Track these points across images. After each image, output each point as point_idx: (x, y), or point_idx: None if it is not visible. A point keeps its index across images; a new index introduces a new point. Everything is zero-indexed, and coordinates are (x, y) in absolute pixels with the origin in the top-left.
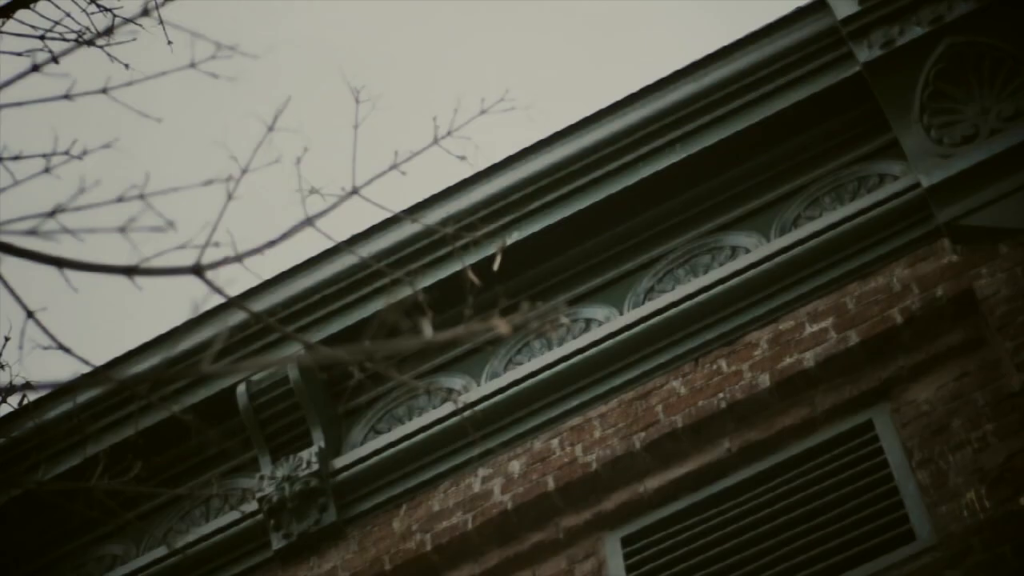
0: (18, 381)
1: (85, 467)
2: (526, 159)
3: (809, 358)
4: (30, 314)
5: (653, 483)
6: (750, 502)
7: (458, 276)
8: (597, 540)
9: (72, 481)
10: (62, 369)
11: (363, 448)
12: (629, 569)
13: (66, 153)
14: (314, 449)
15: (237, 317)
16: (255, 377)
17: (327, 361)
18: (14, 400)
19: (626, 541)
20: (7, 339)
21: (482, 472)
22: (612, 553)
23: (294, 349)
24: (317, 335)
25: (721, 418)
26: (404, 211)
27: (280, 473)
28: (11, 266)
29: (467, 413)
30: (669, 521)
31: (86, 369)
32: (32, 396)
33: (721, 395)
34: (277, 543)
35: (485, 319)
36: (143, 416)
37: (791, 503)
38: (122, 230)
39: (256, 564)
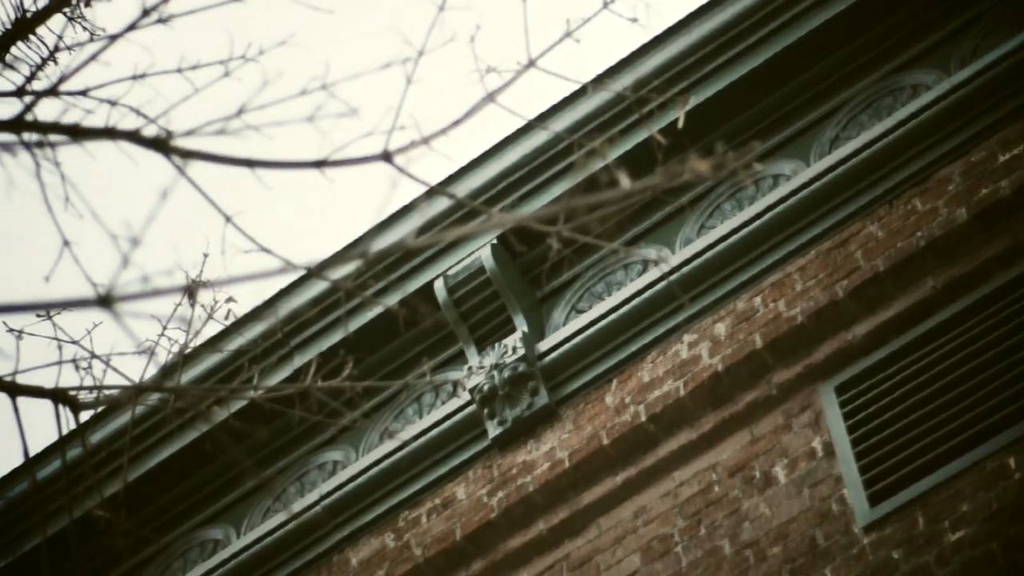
0: (221, 296)
1: (298, 376)
2: (700, 19)
3: (1005, 187)
4: (228, 219)
5: (861, 329)
6: (960, 337)
7: (646, 144)
8: (811, 392)
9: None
10: (263, 272)
11: (566, 328)
12: (847, 417)
13: (243, 57)
14: (518, 335)
15: (429, 209)
16: (452, 271)
17: (528, 223)
18: (220, 315)
19: (840, 390)
20: (206, 255)
21: (687, 338)
22: (828, 403)
23: (492, 226)
24: (521, 212)
25: (922, 257)
26: (587, 82)
27: (488, 362)
28: (204, 173)
29: (667, 280)
30: (881, 365)
31: (288, 269)
32: (237, 309)
33: (919, 233)
34: (493, 431)
35: (682, 163)
36: (350, 319)
37: (1002, 334)
38: (310, 119)
39: (475, 454)
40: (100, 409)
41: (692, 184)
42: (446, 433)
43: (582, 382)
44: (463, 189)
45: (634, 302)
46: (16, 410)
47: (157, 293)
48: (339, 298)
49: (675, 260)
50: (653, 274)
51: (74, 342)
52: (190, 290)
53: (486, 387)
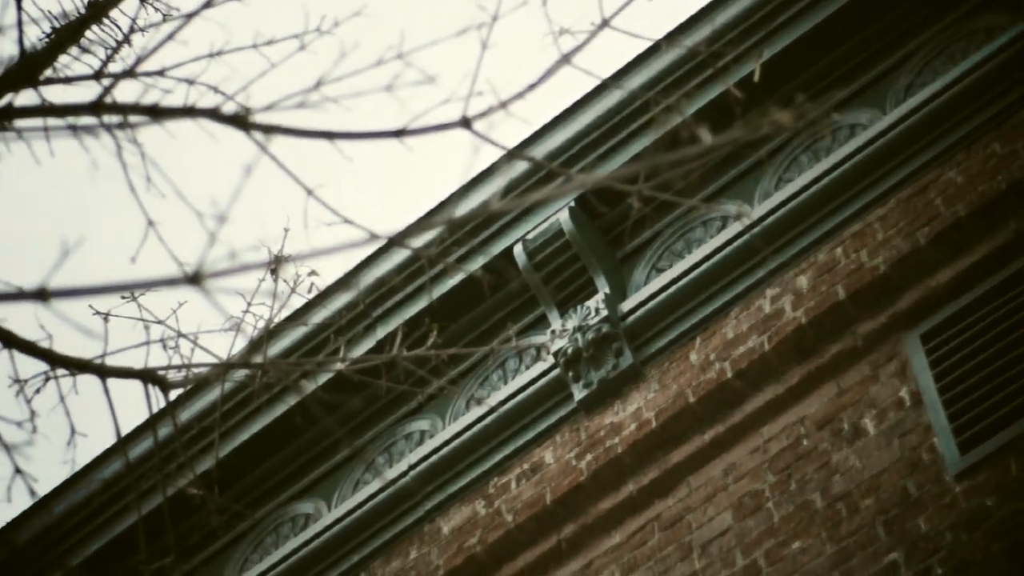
0: (304, 270)
1: (384, 346)
2: None
3: None
4: (310, 192)
5: (944, 276)
6: None
7: (722, 99)
8: (897, 341)
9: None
10: (345, 244)
11: (648, 288)
12: (933, 364)
13: (318, 30)
14: (600, 296)
15: (508, 174)
16: (531, 235)
17: (609, 183)
18: (304, 288)
19: (926, 338)
20: (287, 230)
21: (770, 292)
22: (914, 352)
23: (572, 188)
24: (597, 174)
25: (1004, 200)
26: (661, 39)
27: (571, 325)
28: (284, 147)
29: (748, 235)
30: (966, 311)
31: (370, 240)
32: (318, 283)
33: (999, 177)
34: (579, 393)
35: (761, 115)
36: (432, 287)
37: None
38: (387, 89)
39: (561, 417)
40: (189, 387)
41: (769, 137)
42: (532, 398)
43: (666, 341)
44: (541, 152)
45: (715, 258)
46: (107, 392)
47: (244, 269)
48: (421, 266)
49: (755, 214)
50: (733, 229)
51: (160, 322)
52: (274, 265)
53: (570, 350)
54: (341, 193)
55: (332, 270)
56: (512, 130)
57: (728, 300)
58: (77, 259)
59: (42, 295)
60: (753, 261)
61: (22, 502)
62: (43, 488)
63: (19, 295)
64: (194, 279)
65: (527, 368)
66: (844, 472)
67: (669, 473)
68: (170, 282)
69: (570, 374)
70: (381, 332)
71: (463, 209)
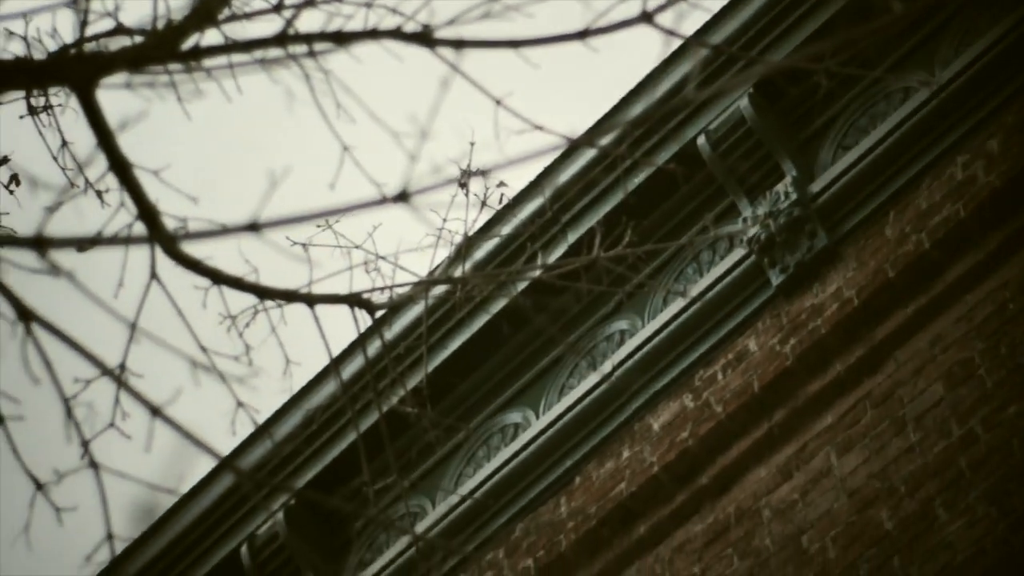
0: (494, 181)
1: (577, 249)
2: None
3: None
4: (498, 102)
5: None
6: None
7: None
8: None
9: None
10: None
11: (835, 167)
12: None
13: None
14: (788, 180)
15: (689, 64)
16: (712, 125)
17: (796, 64)
18: (495, 199)
19: None
20: (472, 144)
21: (960, 159)
22: None
23: (755, 73)
24: (775, 56)
25: None
26: None
27: (761, 211)
28: (470, 60)
29: (935, 100)
30: None
31: (559, 144)
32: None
33: None
34: (776, 279)
35: None
36: (621, 185)
37: None
38: None
39: (761, 304)
40: (393, 307)
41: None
42: (730, 287)
43: (859, 218)
44: (720, 38)
45: (902, 128)
46: (316, 319)
47: (446, 183)
48: (608, 166)
49: (937, 81)
50: (918, 99)
51: (358, 247)
52: (467, 179)
53: (763, 236)
54: (528, 100)
55: (522, 178)
56: (693, 18)
57: (918, 171)
58: (278, 191)
59: (254, 227)
60: (941, 129)
61: (245, 432)
62: (263, 417)
63: (231, 230)
64: (402, 197)
65: (721, 259)
66: None
67: (875, 350)
68: (378, 203)
69: (765, 260)
70: (572, 236)
71: (645, 103)
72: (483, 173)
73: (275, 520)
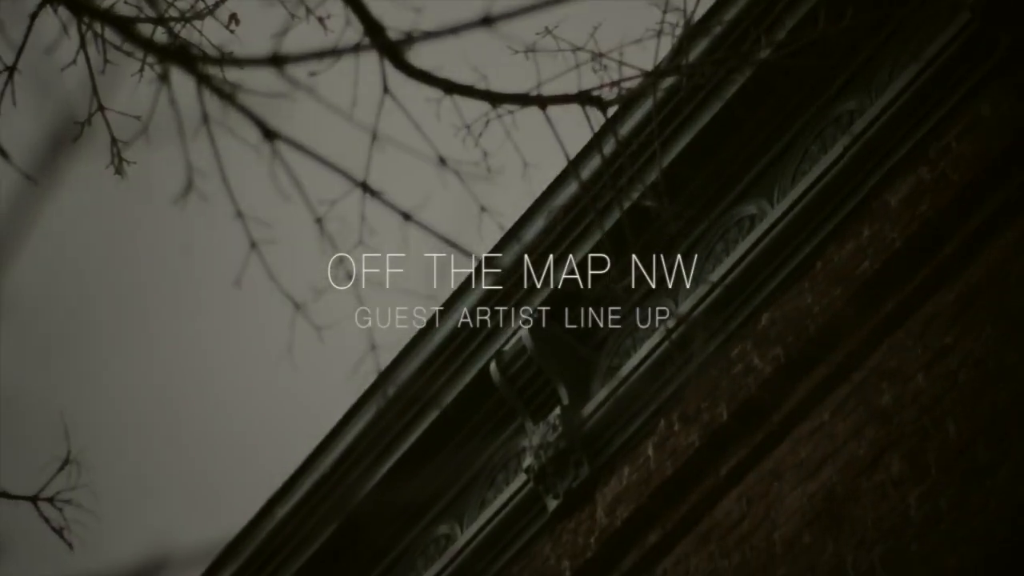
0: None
1: (798, 33)
2: None
3: None
4: None
5: None
6: None
7: None
8: None
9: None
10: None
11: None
12: None
13: None
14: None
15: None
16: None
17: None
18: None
19: None
20: None
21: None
22: None
23: None
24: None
25: None
26: None
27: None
28: None
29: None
30: None
31: None
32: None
33: None
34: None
35: None
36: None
37: None
38: None
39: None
40: (624, 102)
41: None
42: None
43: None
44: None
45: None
46: (549, 120)
47: None
48: None
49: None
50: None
51: (580, 48)
52: None
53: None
54: None
55: None
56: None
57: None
58: None
59: (487, 21)
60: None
61: (490, 234)
62: (507, 221)
63: (464, 26)
64: None
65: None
66: None
67: None
68: None
69: None
70: (789, 22)
71: None
72: None
73: (521, 335)
